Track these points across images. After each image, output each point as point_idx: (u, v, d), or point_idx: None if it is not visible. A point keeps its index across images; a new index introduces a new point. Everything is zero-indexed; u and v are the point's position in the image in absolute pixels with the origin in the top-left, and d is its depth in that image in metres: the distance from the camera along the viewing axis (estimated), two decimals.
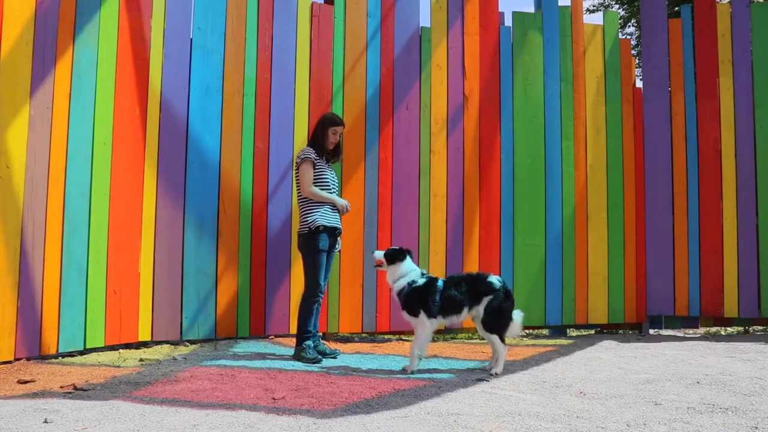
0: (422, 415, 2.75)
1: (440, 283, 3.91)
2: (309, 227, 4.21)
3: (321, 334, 5.25)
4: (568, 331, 5.99)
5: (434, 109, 5.59)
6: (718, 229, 5.85)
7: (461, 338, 5.72)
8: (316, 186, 4.26)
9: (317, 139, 4.35)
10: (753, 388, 3.33)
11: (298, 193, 4.33)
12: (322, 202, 4.26)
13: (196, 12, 4.92)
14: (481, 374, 3.77)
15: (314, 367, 3.99)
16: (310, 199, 4.26)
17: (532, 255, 5.71)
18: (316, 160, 4.28)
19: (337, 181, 4.47)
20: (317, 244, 4.21)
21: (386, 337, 5.49)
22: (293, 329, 5.08)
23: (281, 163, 5.15)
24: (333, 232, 4.29)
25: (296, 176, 4.34)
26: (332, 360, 4.33)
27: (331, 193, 4.32)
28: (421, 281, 3.90)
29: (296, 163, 4.33)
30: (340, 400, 3.04)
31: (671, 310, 5.89)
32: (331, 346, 4.94)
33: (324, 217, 4.23)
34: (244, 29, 5.10)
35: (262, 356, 4.37)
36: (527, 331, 5.99)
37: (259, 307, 5.02)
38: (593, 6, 14.59)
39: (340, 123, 4.38)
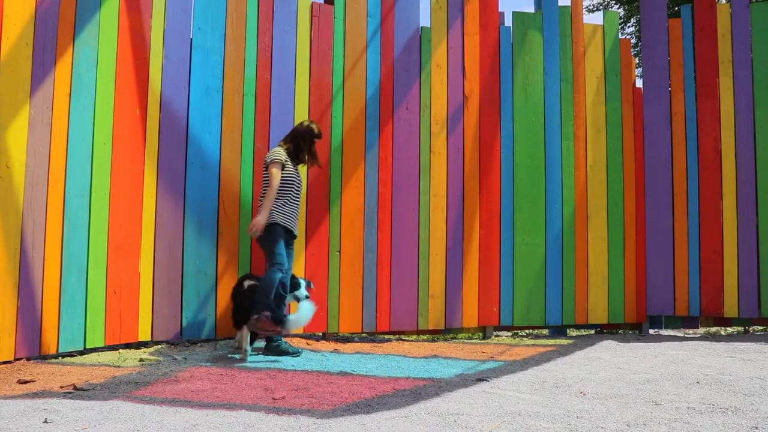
0: (422, 415, 2.75)
1: None
2: (273, 221, 4.42)
3: (321, 334, 5.27)
4: (568, 331, 6.00)
5: (434, 109, 5.59)
6: (718, 229, 5.85)
7: (461, 338, 5.72)
8: (285, 185, 4.47)
9: (305, 146, 4.59)
10: (753, 388, 3.33)
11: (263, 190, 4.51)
12: (287, 205, 4.48)
13: (196, 12, 4.92)
14: (482, 374, 3.77)
15: (314, 367, 3.99)
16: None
17: (532, 255, 5.71)
18: (285, 162, 4.51)
19: (301, 180, 4.65)
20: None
21: (386, 337, 5.50)
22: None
23: None
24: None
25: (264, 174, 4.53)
26: (332, 360, 4.33)
27: (289, 190, 4.50)
28: None
29: (265, 162, 4.51)
30: (340, 400, 3.04)
31: (671, 310, 5.88)
32: (332, 346, 4.95)
33: (287, 220, 4.48)
34: (244, 29, 5.10)
35: (262, 356, 4.36)
36: (527, 331, 5.99)
37: None
38: (593, 5, 14.59)
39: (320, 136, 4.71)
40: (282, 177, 4.46)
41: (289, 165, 4.52)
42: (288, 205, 4.48)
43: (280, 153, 4.50)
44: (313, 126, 4.66)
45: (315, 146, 4.67)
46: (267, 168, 4.47)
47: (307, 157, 4.64)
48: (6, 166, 3.85)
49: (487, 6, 5.80)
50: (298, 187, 4.57)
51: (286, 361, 4.21)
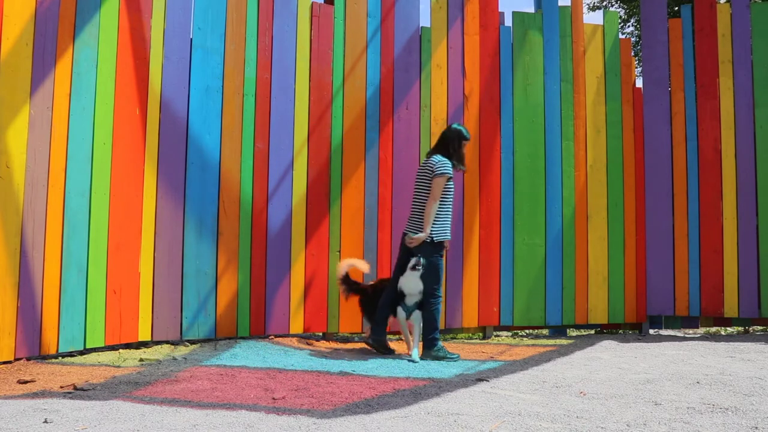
0: (422, 415, 2.75)
1: None
2: (431, 237, 4.41)
3: (321, 334, 5.27)
4: (568, 331, 5.99)
5: (434, 109, 5.59)
6: (718, 228, 5.85)
7: (461, 338, 5.72)
8: (443, 195, 4.45)
9: (456, 150, 4.56)
10: (753, 388, 3.33)
11: (422, 195, 4.49)
12: (446, 215, 4.48)
13: (196, 12, 4.92)
14: (482, 374, 3.77)
15: (314, 367, 3.99)
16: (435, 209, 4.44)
17: (532, 255, 5.70)
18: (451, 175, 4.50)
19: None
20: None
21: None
22: (293, 329, 5.08)
23: (281, 163, 5.15)
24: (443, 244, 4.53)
25: (424, 182, 4.49)
26: (332, 360, 4.33)
27: (449, 200, 4.51)
28: None
29: (433, 171, 4.44)
30: (340, 400, 3.04)
31: (671, 310, 5.88)
32: (332, 345, 4.95)
33: (443, 233, 4.48)
34: (244, 29, 5.10)
35: (262, 356, 4.37)
36: (527, 331, 5.99)
37: (259, 307, 5.02)
38: (593, 4, 14.57)
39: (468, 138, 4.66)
40: (444, 188, 4.46)
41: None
42: (449, 218, 4.52)
43: (449, 166, 4.46)
44: (462, 129, 4.61)
45: (464, 149, 4.63)
46: (433, 177, 4.43)
47: (455, 161, 4.59)
48: (6, 166, 3.85)
49: (487, 6, 5.80)
50: (453, 197, 4.60)
51: (286, 361, 4.21)
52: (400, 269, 4.54)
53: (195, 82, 4.88)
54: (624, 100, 6.03)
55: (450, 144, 4.57)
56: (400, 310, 4.49)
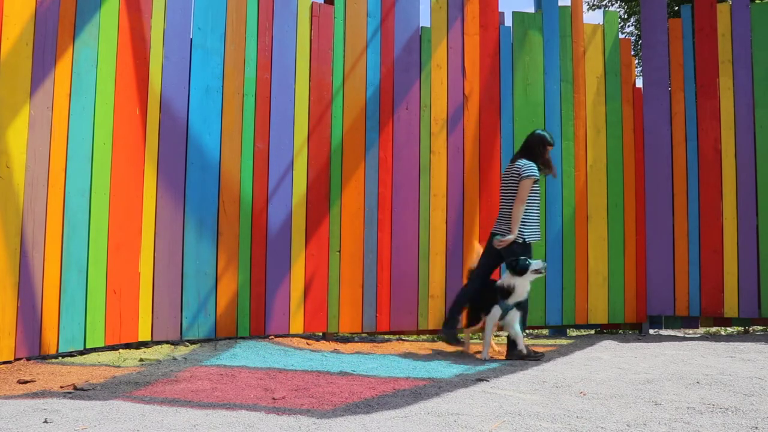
0: (422, 415, 2.75)
1: None
2: (522, 238, 4.49)
3: (321, 334, 5.27)
4: (568, 331, 5.99)
5: (434, 109, 5.59)
6: (718, 228, 5.85)
7: (461, 338, 5.71)
8: (530, 197, 4.52)
9: (539, 155, 4.61)
10: (753, 388, 3.33)
11: (509, 198, 4.57)
12: (535, 216, 4.57)
13: (196, 12, 4.92)
14: (482, 374, 3.77)
15: (314, 367, 3.99)
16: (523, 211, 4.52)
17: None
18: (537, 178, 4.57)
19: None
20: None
21: (386, 337, 5.50)
22: (293, 329, 5.08)
23: (281, 163, 5.15)
24: (530, 247, 4.58)
25: (509, 185, 4.57)
26: (332, 360, 4.33)
27: (536, 202, 4.61)
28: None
29: (520, 174, 4.51)
30: (340, 400, 3.04)
31: (671, 310, 5.88)
32: (332, 346, 4.95)
33: (534, 235, 4.56)
34: (244, 29, 5.10)
35: (262, 356, 4.37)
36: (527, 331, 5.99)
37: (259, 307, 5.02)
38: (594, 3, 14.56)
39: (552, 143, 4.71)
40: (531, 190, 4.52)
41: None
42: (537, 220, 4.60)
43: (534, 168, 4.53)
44: (545, 134, 4.68)
45: (548, 154, 4.67)
46: (520, 180, 4.50)
47: (540, 165, 4.64)
48: (6, 166, 3.85)
49: (487, 6, 5.80)
50: (539, 199, 4.69)
51: (286, 361, 4.21)
52: (483, 269, 4.66)
53: (195, 82, 4.88)
54: (624, 100, 6.03)
55: (534, 148, 4.63)
56: (497, 308, 4.39)
